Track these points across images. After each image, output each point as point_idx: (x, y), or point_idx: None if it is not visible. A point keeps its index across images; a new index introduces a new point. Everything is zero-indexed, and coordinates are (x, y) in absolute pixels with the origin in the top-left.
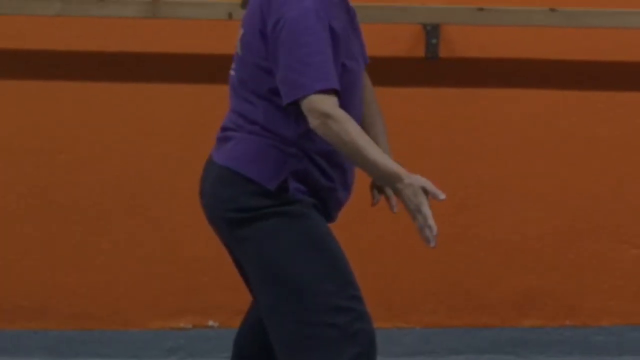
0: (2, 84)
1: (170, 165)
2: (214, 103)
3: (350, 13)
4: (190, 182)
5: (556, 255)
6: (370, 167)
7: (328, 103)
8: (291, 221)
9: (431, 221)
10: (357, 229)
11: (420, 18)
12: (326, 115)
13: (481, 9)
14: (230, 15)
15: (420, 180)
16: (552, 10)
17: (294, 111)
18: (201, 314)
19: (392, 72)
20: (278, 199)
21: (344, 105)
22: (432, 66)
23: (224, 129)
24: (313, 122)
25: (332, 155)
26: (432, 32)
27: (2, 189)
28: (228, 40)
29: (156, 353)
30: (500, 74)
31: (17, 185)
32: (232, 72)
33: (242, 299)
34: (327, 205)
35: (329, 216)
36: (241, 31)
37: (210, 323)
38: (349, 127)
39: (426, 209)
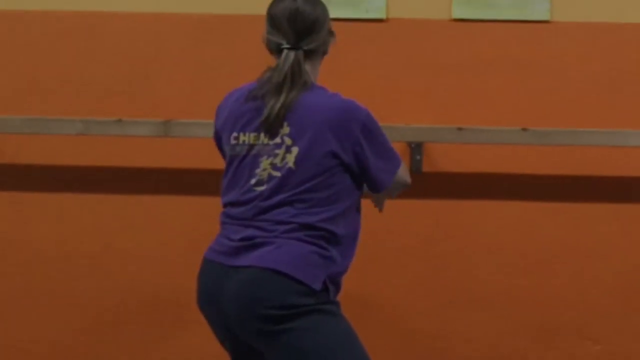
0: (30, 196)
1: (178, 269)
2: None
3: None
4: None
5: (528, 351)
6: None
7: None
8: (329, 318)
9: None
10: None
11: (406, 137)
12: (406, 184)
13: (460, 129)
14: None
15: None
16: (524, 130)
17: (334, 217)
18: None
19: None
20: (320, 298)
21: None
22: (416, 180)
23: (248, 238)
24: (399, 188)
25: (353, 254)
26: (416, 149)
27: (31, 290)
28: None
29: None
30: (477, 187)
31: (45, 287)
32: (261, 186)
33: None
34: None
35: None
36: (294, 150)
37: None
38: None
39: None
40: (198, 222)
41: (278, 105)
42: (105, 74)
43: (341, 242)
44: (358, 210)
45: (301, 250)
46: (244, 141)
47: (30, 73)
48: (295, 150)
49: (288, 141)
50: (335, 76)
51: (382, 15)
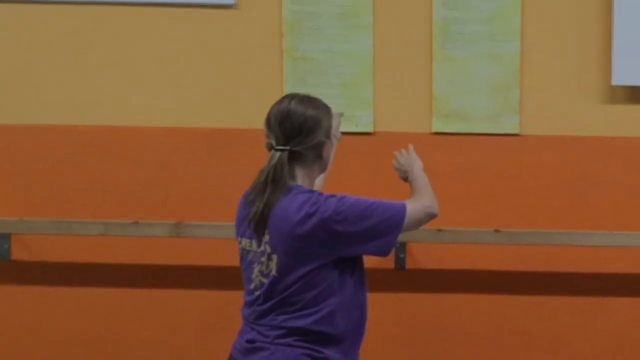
0: (56, 290)
1: (187, 354)
2: (227, 306)
3: None
4: None
5: None
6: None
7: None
8: None
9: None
10: None
11: None
12: (430, 214)
13: (440, 230)
14: None
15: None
16: (497, 231)
17: (325, 317)
18: None
19: (369, 281)
20: None
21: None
22: (400, 276)
23: (252, 341)
24: (425, 220)
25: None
26: (400, 248)
27: None
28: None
29: None
30: (455, 282)
31: None
32: (254, 295)
33: None
34: None
35: None
36: (274, 257)
37: None
38: (426, 196)
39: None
40: (205, 314)
41: (261, 207)
42: (123, 181)
43: (339, 340)
44: (360, 303)
45: (291, 355)
46: (244, 246)
47: (56, 181)
48: (274, 258)
49: (268, 249)
50: (326, 184)
51: (370, 129)
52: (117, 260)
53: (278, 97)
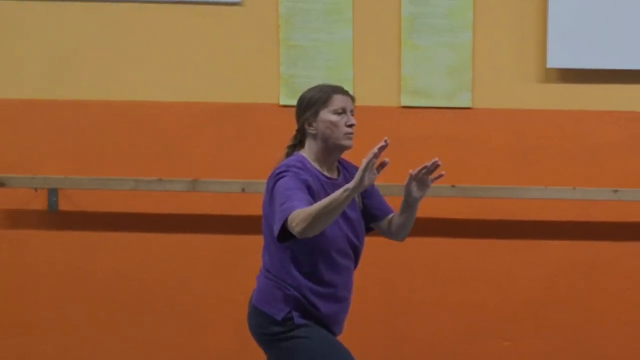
0: (93, 235)
1: (202, 285)
2: (235, 249)
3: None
4: None
5: (456, 349)
6: (332, 207)
7: (293, 216)
8: (301, 341)
9: (374, 150)
10: None
11: None
12: (295, 224)
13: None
14: (243, 190)
15: (358, 176)
16: (453, 186)
17: (291, 257)
18: None
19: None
20: (286, 326)
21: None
22: None
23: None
24: (296, 230)
25: (318, 288)
26: None
27: (92, 307)
28: (243, 207)
29: None
30: (419, 228)
31: (101, 304)
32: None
33: None
34: (325, 324)
35: (331, 331)
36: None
37: None
38: (305, 216)
39: (370, 157)
40: (217, 255)
41: None
42: (149, 145)
43: (298, 276)
44: (312, 249)
45: (266, 287)
46: None
47: (95, 145)
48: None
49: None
50: None
51: None
52: (145, 211)
53: (275, 78)
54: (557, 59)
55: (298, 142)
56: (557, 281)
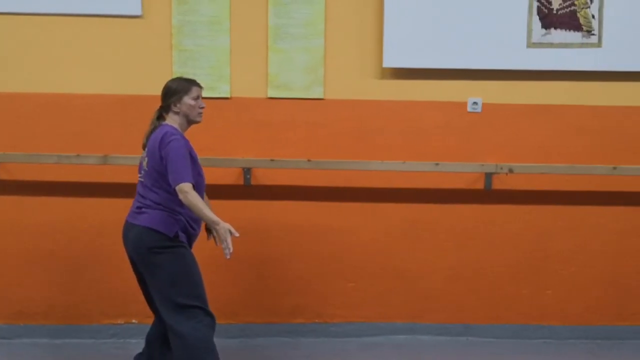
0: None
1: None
2: None
3: (192, 154)
4: None
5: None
6: (202, 216)
7: (188, 186)
8: (179, 254)
9: (230, 246)
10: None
11: (240, 164)
12: (185, 192)
13: (272, 160)
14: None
15: (226, 226)
16: (309, 160)
17: (177, 196)
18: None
19: (227, 194)
20: (174, 242)
21: (197, 191)
22: (247, 189)
23: (138, 207)
24: (180, 196)
25: (194, 217)
26: (247, 171)
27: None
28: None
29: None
30: (283, 194)
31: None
32: (140, 179)
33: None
34: (191, 242)
35: (190, 246)
36: (146, 158)
37: (134, 321)
38: (194, 198)
39: (228, 240)
40: (121, 214)
41: (145, 138)
42: (69, 128)
43: (182, 208)
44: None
45: (158, 215)
46: (143, 155)
47: (26, 129)
48: (146, 160)
49: (144, 156)
50: (200, 126)
51: (228, 95)
52: (66, 180)
53: (169, 75)
54: (391, 60)
55: (160, 116)
56: (390, 233)
